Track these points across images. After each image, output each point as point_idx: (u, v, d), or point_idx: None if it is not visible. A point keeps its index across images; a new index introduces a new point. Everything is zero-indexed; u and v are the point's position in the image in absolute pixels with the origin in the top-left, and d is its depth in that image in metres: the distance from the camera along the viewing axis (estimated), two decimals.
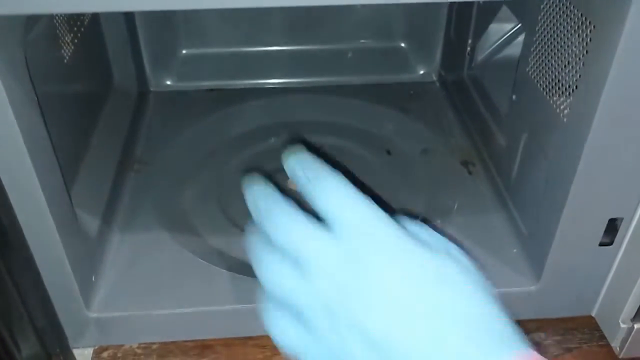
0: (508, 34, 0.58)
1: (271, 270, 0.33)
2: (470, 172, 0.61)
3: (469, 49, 0.64)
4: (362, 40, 0.76)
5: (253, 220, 0.36)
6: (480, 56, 0.62)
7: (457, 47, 0.69)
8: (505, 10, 0.55)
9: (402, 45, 0.77)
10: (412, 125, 0.69)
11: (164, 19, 0.72)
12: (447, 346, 0.28)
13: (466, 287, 0.31)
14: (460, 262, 0.32)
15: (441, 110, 0.71)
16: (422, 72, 0.77)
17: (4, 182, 0.38)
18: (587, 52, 0.39)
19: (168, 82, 0.75)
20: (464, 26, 0.66)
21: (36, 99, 0.39)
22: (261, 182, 0.37)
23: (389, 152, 0.66)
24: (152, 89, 0.74)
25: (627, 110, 0.38)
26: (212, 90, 0.75)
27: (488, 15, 0.59)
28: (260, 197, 0.36)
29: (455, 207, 0.56)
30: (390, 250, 0.31)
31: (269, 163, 0.64)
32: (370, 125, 0.70)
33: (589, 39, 0.39)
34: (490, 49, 0.61)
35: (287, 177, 0.61)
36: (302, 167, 0.35)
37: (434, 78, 0.76)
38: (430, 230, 0.34)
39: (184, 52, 0.75)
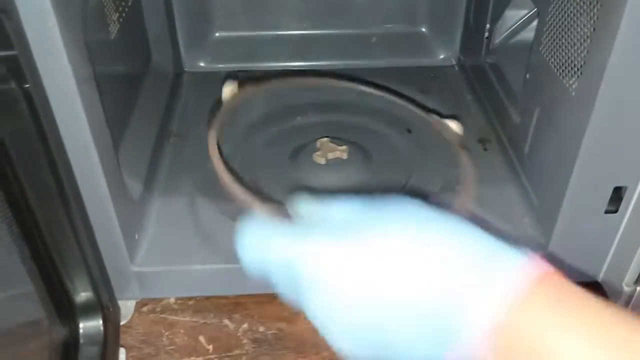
0: (523, 19, 0.61)
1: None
2: (485, 149, 0.65)
3: (487, 33, 0.68)
4: (386, 26, 0.80)
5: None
6: (497, 40, 0.66)
7: (476, 32, 0.72)
8: None
9: (424, 30, 0.80)
10: (431, 105, 0.73)
11: (199, 2, 0.77)
12: (453, 269, 0.30)
13: (466, 233, 0.32)
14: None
15: (460, 92, 0.75)
16: (442, 56, 0.80)
17: (67, 149, 0.42)
18: (594, 29, 0.42)
19: (201, 64, 0.79)
20: (482, 12, 0.69)
21: (93, 75, 0.44)
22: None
23: (409, 131, 0.70)
24: (186, 70, 0.79)
25: (630, 84, 0.41)
26: (242, 72, 0.79)
27: (504, 0, 0.62)
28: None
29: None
30: (397, 212, 0.33)
31: (295, 140, 0.68)
32: (392, 106, 0.73)
33: (596, 17, 0.42)
34: (506, 33, 0.65)
35: (313, 151, 0.65)
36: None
37: (454, 62, 0.80)
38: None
39: (217, 34, 0.79)
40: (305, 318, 0.57)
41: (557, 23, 0.49)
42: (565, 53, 0.47)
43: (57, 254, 0.40)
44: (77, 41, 0.40)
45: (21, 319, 0.36)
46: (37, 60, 0.37)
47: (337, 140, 0.67)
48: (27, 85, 0.35)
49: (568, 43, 0.47)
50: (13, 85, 0.33)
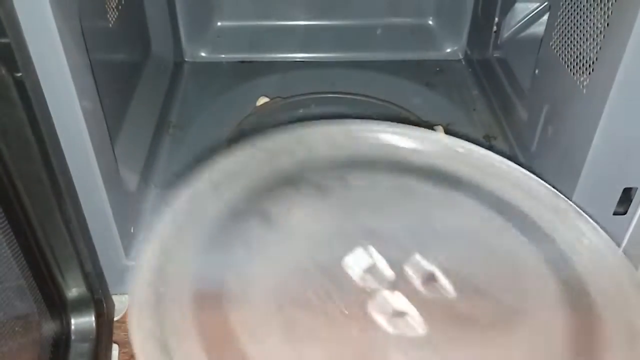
0: (534, 13, 0.60)
1: None
2: (491, 146, 0.63)
3: (495, 27, 0.66)
4: (392, 17, 0.78)
5: None
6: (505, 34, 0.64)
7: (484, 26, 0.70)
8: None
9: (431, 23, 0.79)
10: (437, 100, 0.71)
11: None
12: None
13: None
14: None
15: (466, 87, 0.73)
16: (449, 50, 0.78)
17: (60, 139, 0.40)
18: (607, 25, 0.41)
19: (202, 54, 0.78)
20: (491, 5, 0.68)
21: (90, 63, 0.42)
22: None
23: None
24: (187, 59, 0.77)
25: None
26: (243, 62, 0.78)
27: None
28: None
29: None
30: None
31: None
32: (397, 99, 0.72)
33: (610, 12, 0.40)
34: (515, 27, 0.63)
35: None
36: None
37: (460, 56, 0.78)
38: None
39: (218, 24, 0.78)
40: None
41: (569, 17, 0.48)
42: (577, 48, 0.46)
43: (49, 248, 0.38)
44: (72, 29, 0.39)
45: (11, 314, 0.35)
46: (31, 48, 0.36)
47: None
48: (19, 74, 0.34)
49: (580, 38, 0.45)
50: (3, 72, 0.32)
